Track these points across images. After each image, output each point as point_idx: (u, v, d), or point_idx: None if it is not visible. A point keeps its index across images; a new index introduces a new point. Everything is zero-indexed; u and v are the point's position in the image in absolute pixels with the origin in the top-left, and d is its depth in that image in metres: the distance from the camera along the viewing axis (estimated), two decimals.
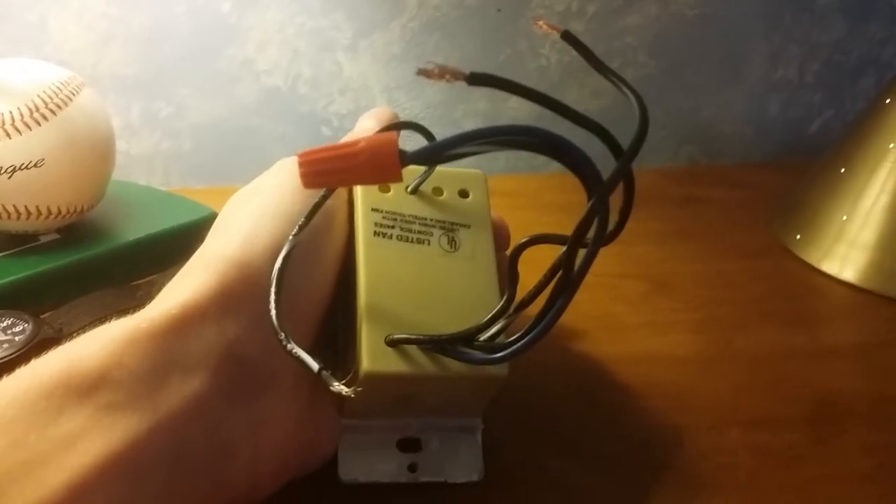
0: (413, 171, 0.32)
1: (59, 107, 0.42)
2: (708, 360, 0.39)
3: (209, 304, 0.26)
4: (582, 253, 0.24)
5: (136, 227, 0.46)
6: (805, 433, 0.34)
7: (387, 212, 0.31)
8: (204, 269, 0.27)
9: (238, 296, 0.26)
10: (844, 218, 0.48)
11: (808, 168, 0.54)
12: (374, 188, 0.31)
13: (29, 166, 0.41)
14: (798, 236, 0.50)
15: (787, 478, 0.32)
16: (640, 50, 0.65)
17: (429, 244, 0.30)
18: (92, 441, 0.22)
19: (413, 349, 0.27)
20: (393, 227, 0.30)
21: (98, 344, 0.24)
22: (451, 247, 0.31)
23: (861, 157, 0.48)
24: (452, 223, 0.31)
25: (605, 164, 0.23)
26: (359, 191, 0.31)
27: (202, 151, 0.62)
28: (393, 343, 0.27)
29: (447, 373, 0.27)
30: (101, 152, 0.44)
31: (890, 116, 0.48)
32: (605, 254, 0.49)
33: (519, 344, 0.25)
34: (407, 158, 0.21)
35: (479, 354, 0.26)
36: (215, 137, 0.61)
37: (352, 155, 0.21)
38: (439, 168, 0.32)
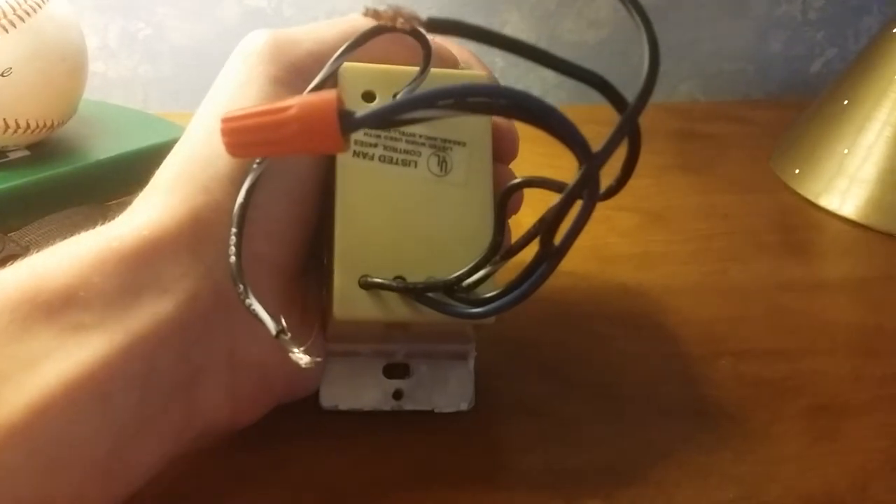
0: (399, 76, 0.27)
1: (27, 13, 0.39)
2: (700, 291, 0.38)
3: (182, 229, 0.24)
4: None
5: (109, 146, 0.44)
6: (798, 365, 0.33)
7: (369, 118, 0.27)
8: (170, 191, 0.25)
9: (209, 222, 0.24)
10: (846, 151, 0.46)
11: (809, 105, 0.52)
12: (357, 96, 0.27)
13: None
14: (797, 171, 0.48)
15: (777, 409, 0.31)
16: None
17: (415, 166, 0.27)
18: (57, 361, 0.21)
19: (384, 295, 0.26)
20: (375, 145, 0.27)
21: (66, 261, 0.23)
22: (440, 169, 0.27)
23: (864, 90, 0.47)
24: (445, 140, 0.27)
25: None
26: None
27: (182, 75, 0.59)
28: (366, 286, 0.26)
29: (423, 319, 0.26)
30: (71, 64, 0.42)
31: (894, 48, 0.46)
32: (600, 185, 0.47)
33: (497, 303, 0.23)
34: (350, 123, 0.18)
35: (457, 307, 0.25)
36: (196, 61, 0.59)
37: (281, 123, 0.18)
38: (438, 70, 0.27)
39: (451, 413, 0.29)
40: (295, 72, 0.27)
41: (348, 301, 0.26)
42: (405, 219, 0.27)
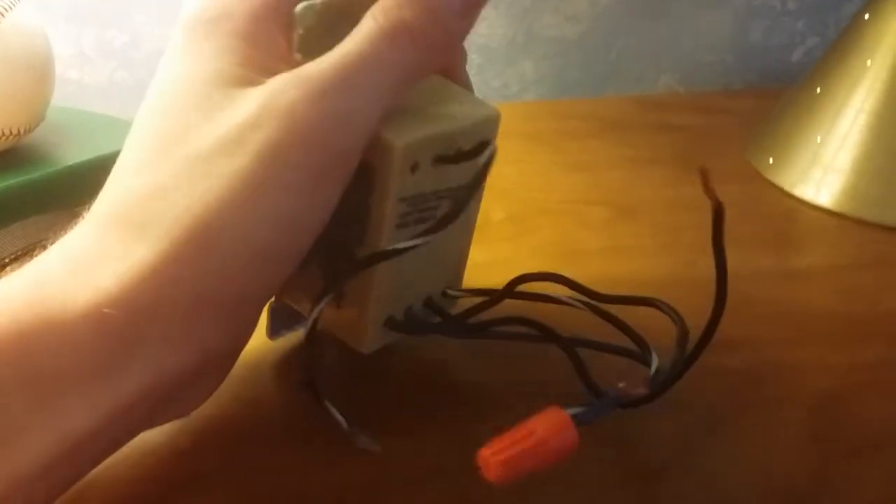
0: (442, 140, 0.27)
1: None
2: (669, 283, 0.38)
3: (149, 301, 0.21)
4: None
5: (77, 152, 0.44)
6: (763, 354, 0.33)
7: (412, 197, 0.27)
8: (141, 230, 0.22)
9: (189, 284, 0.22)
10: (819, 140, 0.46)
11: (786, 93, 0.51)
12: (407, 170, 0.26)
13: None
14: (771, 160, 0.48)
15: (745, 399, 0.31)
16: None
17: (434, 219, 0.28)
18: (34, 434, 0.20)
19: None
20: (411, 213, 0.27)
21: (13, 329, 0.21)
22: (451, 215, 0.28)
23: (838, 76, 0.46)
24: (459, 187, 0.28)
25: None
26: (393, 174, 0.26)
27: None
28: (395, 327, 0.29)
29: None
30: (38, 72, 0.42)
31: (868, 33, 0.45)
32: (571, 181, 0.48)
33: None
34: (582, 421, 0.23)
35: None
36: None
37: (538, 445, 0.22)
38: (460, 123, 0.27)
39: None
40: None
41: (375, 339, 0.29)
42: (416, 257, 0.27)
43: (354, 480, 0.26)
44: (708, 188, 0.26)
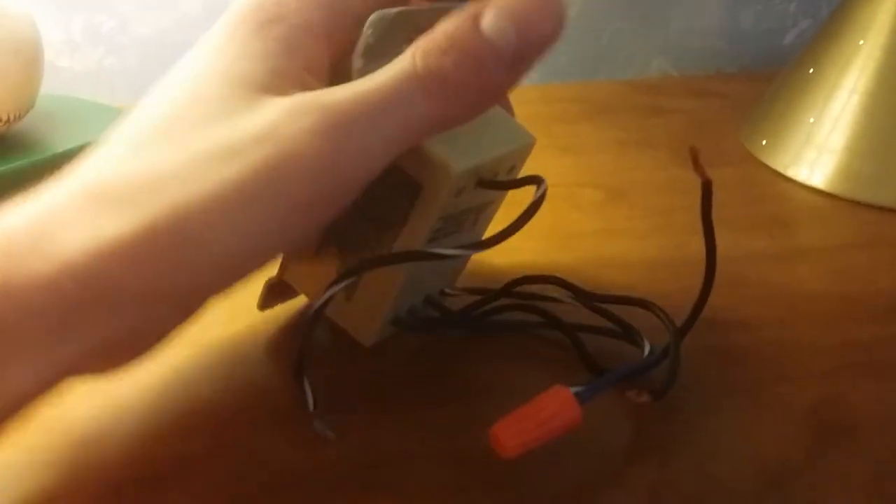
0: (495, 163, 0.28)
1: None
2: (659, 264, 0.38)
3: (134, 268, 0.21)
4: None
5: (67, 139, 0.43)
6: (755, 335, 0.33)
7: (448, 216, 0.28)
8: (120, 208, 0.21)
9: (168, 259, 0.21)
10: (812, 120, 0.45)
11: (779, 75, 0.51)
12: (454, 192, 0.27)
13: None
14: (764, 142, 0.48)
15: (733, 378, 0.31)
16: None
17: (458, 233, 0.29)
18: None
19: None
20: (444, 228, 0.28)
21: None
22: (473, 226, 0.30)
23: (831, 56, 0.46)
24: (487, 203, 0.30)
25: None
26: (440, 197, 0.26)
27: (148, 67, 0.59)
28: (399, 323, 0.29)
29: None
30: (26, 58, 0.42)
31: (861, 11, 0.45)
32: (562, 164, 0.48)
33: None
34: (584, 399, 0.24)
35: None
36: (161, 52, 0.59)
37: (543, 420, 0.24)
38: (503, 150, 0.28)
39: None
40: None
41: (380, 334, 0.29)
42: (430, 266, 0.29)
43: (345, 460, 0.26)
44: (698, 165, 0.26)
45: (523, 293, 0.32)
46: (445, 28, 0.23)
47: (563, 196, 0.44)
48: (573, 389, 0.25)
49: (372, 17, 0.25)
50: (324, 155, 0.22)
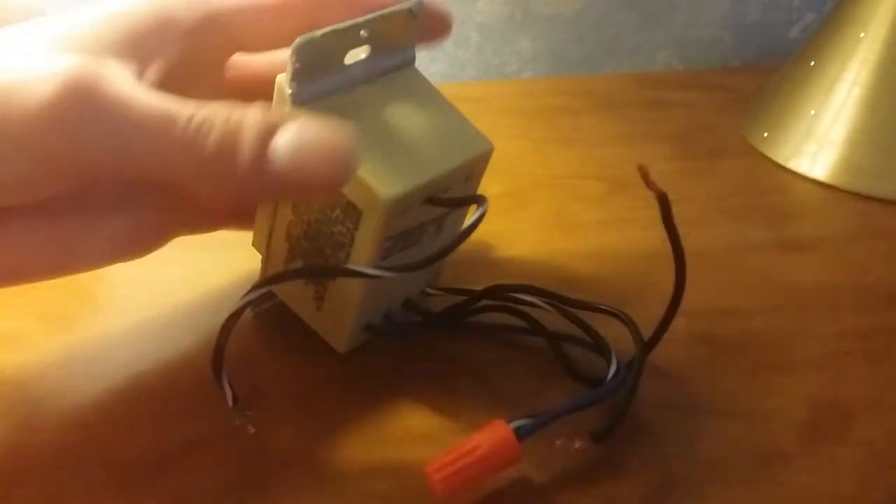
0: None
1: None
2: (660, 254, 0.37)
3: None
4: None
5: None
6: (751, 323, 0.33)
7: (400, 233, 0.27)
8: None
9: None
10: (813, 113, 0.46)
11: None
12: (396, 216, 0.26)
13: None
14: (766, 134, 0.48)
15: (727, 365, 0.31)
16: None
17: (419, 244, 0.29)
18: None
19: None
20: (395, 246, 0.28)
21: None
22: (437, 233, 0.30)
23: (832, 49, 0.46)
24: (445, 216, 0.29)
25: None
26: (378, 228, 0.26)
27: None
28: (372, 329, 0.30)
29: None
30: None
31: (861, 6, 0.45)
32: (565, 156, 0.48)
33: None
34: (523, 435, 0.24)
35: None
36: None
37: (476, 460, 0.24)
38: (453, 164, 0.28)
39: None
40: None
41: (352, 341, 0.30)
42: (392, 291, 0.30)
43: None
44: (649, 182, 0.27)
45: (504, 296, 0.32)
46: (249, 115, 0.23)
47: (566, 187, 0.44)
48: (513, 425, 0.24)
49: (295, 43, 0.24)
50: (57, 109, 0.22)
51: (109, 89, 0.22)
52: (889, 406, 0.29)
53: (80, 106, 0.22)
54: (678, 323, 0.33)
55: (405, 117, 0.28)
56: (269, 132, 0.22)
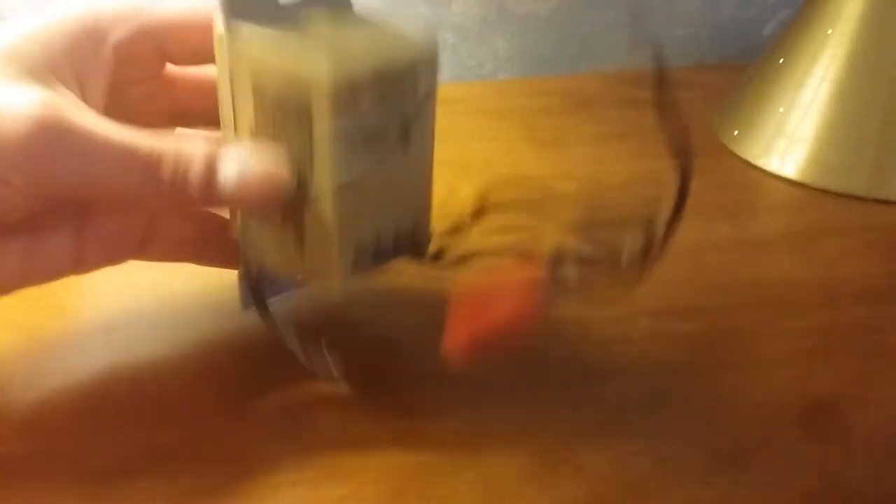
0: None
1: None
2: None
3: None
4: None
5: None
6: (715, 321, 0.34)
7: (355, 131, 0.26)
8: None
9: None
10: (782, 110, 0.46)
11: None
12: (343, 104, 0.26)
13: None
14: (736, 132, 0.48)
15: (691, 364, 0.31)
16: None
17: (386, 141, 0.27)
18: None
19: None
20: (354, 150, 0.26)
21: None
22: (402, 143, 0.28)
23: (801, 46, 0.46)
24: (405, 115, 0.28)
25: None
26: (327, 111, 0.25)
27: None
28: (359, 265, 0.28)
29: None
30: None
31: (829, 2, 0.46)
32: (539, 155, 0.48)
33: None
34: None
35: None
36: None
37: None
38: (396, 63, 0.27)
39: (366, 381, 0.29)
40: None
41: (344, 275, 0.27)
42: (373, 188, 0.27)
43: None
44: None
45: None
46: (197, 149, 0.26)
47: (539, 188, 0.44)
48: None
49: None
50: (32, 144, 0.24)
51: (75, 123, 0.25)
52: (853, 402, 0.30)
53: (51, 139, 0.24)
54: (644, 322, 0.33)
55: (346, 27, 0.28)
56: (214, 162, 0.26)
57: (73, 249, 0.28)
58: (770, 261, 0.38)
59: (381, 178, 0.27)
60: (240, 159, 0.26)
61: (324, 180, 0.26)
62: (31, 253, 0.28)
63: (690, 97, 0.56)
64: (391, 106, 0.27)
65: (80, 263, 0.29)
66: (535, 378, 0.31)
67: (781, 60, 0.47)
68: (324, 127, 0.25)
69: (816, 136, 0.45)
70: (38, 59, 0.25)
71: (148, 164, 0.25)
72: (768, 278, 0.36)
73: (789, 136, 0.45)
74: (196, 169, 0.25)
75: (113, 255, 0.30)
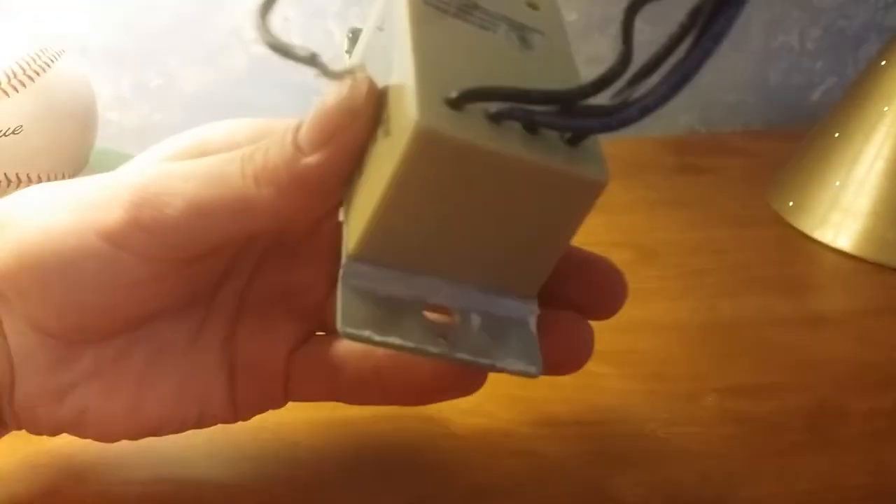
0: None
1: (37, 73, 0.41)
2: (689, 327, 0.39)
3: None
4: None
5: None
6: (783, 401, 0.34)
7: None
8: None
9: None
10: (838, 184, 0.47)
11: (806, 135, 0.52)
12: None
13: (7, 133, 0.41)
14: (791, 203, 0.49)
15: (762, 446, 0.31)
16: (637, 15, 0.63)
17: (495, 33, 0.22)
18: None
19: (478, 122, 0.19)
20: (449, 3, 0.22)
21: None
22: (522, 44, 0.23)
23: (856, 122, 0.47)
24: (522, 24, 0.23)
25: None
26: None
27: (194, 122, 0.61)
28: (458, 101, 0.19)
29: (529, 156, 0.19)
30: (81, 119, 0.44)
31: (885, 79, 0.46)
32: (591, 223, 0.49)
33: (650, 97, 0.18)
34: None
35: (587, 121, 0.19)
36: (207, 108, 0.61)
37: None
38: None
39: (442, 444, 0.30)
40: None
41: (433, 111, 0.19)
42: (487, 62, 0.21)
43: None
44: None
45: None
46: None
47: None
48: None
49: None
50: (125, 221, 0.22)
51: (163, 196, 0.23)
52: None
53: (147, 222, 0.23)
54: (711, 399, 0.34)
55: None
56: (293, 129, 0.22)
57: (226, 382, 0.27)
58: (832, 338, 0.38)
59: (492, 61, 0.22)
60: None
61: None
62: (187, 376, 0.26)
63: (743, 164, 0.56)
64: None
65: (235, 405, 0.27)
66: (598, 454, 0.31)
67: (837, 135, 0.48)
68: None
69: (872, 211, 0.45)
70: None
71: (241, 157, 0.22)
72: (832, 357, 0.37)
73: (844, 209, 0.46)
74: (276, 147, 0.22)
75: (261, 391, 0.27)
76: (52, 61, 0.42)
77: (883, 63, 0.47)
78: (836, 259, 0.45)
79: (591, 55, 0.64)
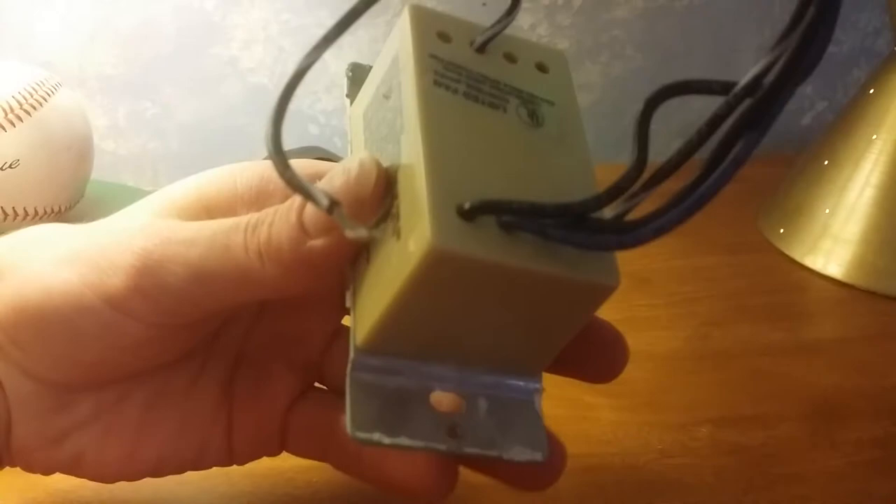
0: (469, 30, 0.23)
1: (33, 107, 0.42)
2: (681, 356, 0.39)
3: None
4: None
5: None
6: (774, 431, 0.34)
7: (449, 62, 0.22)
8: None
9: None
10: (827, 211, 0.47)
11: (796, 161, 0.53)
12: (433, 33, 0.23)
13: (4, 167, 0.41)
14: (782, 230, 0.49)
15: (754, 476, 0.32)
16: (627, 43, 0.64)
17: (505, 111, 0.22)
18: None
19: (490, 233, 0.19)
20: (458, 80, 0.22)
21: None
22: (532, 120, 0.23)
23: (845, 150, 0.48)
24: (532, 95, 0.23)
25: None
26: (409, 29, 0.23)
27: (189, 151, 0.61)
28: (471, 213, 0.19)
29: (541, 267, 0.20)
30: (78, 152, 0.44)
31: (873, 107, 0.47)
32: None
33: (665, 218, 0.19)
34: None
35: (598, 238, 0.19)
36: (202, 137, 0.61)
37: None
38: (511, 33, 0.24)
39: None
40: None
41: (446, 229, 0.19)
42: (500, 157, 0.21)
43: None
44: None
45: None
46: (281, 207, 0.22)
47: None
48: None
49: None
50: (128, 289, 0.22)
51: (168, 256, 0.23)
52: None
53: (150, 283, 0.23)
54: (704, 431, 0.34)
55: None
56: (299, 207, 0.22)
57: (224, 428, 0.27)
58: (822, 367, 0.38)
59: (500, 146, 0.22)
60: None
61: (412, 116, 0.22)
62: (185, 420, 0.26)
63: (734, 190, 0.56)
64: (503, 67, 0.24)
65: (231, 451, 0.27)
66: (592, 485, 0.31)
67: (826, 162, 0.48)
68: (410, 51, 0.23)
69: (862, 239, 0.46)
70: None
71: (245, 227, 0.22)
72: (822, 385, 0.37)
73: (834, 237, 0.46)
74: (285, 220, 0.22)
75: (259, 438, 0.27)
76: (48, 95, 0.43)
77: (871, 91, 0.48)
78: (827, 286, 0.46)
79: (581, 83, 0.65)
